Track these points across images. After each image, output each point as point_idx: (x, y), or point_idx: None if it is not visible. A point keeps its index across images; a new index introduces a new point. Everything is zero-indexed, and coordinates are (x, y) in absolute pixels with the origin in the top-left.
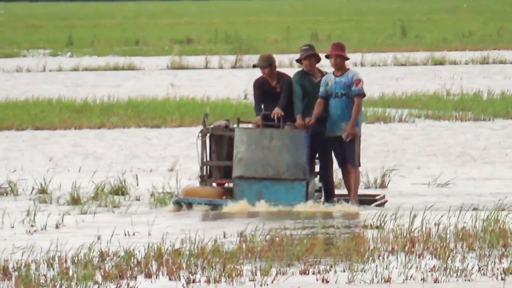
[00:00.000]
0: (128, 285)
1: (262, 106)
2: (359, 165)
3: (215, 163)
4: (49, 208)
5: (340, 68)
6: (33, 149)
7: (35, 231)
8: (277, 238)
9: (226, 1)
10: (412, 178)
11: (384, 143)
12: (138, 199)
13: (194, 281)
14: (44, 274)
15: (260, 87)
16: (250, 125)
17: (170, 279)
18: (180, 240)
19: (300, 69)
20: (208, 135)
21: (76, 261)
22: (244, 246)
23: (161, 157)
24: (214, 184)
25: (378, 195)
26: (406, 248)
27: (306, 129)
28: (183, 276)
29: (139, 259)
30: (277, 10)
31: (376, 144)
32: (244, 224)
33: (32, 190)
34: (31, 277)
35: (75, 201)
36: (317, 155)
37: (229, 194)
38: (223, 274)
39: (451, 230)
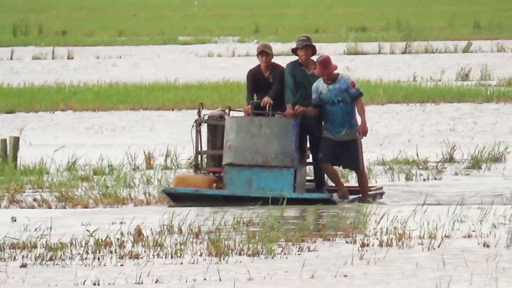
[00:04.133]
0: (308, 248)
1: (255, 96)
2: (363, 168)
3: (209, 152)
4: None
5: (331, 78)
6: None
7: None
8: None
9: None
10: None
11: None
12: None
13: (367, 245)
14: (233, 239)
15: (253, 77)
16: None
17: (346, 242)
18: (355, 204)
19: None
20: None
21: (261, 225)
22: (413, 211)
23: None
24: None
25: (374, 186)
26: None
27: (295, 118)
28: (359, 240)
29: (317, 224)
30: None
31: None
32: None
33: None
34: (221, 242)
35: None
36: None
37: (221, 181)
38: (394, 238)
39: None
